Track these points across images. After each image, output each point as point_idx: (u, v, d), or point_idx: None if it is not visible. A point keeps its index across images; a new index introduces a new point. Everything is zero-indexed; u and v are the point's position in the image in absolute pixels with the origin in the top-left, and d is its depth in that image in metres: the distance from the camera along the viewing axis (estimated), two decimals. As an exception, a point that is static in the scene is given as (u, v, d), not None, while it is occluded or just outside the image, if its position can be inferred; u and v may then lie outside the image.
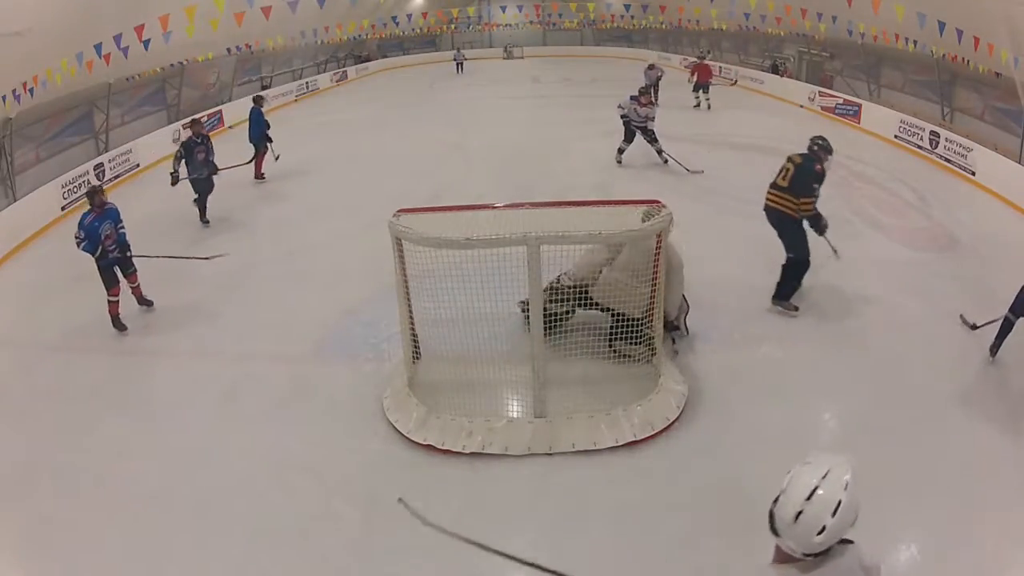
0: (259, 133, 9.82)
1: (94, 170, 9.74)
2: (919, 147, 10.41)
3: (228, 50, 14.83)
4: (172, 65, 13.02)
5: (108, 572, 3.27)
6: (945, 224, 7.38)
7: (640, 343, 4.35)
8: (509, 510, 3.56)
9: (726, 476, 3.69)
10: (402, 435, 4.02)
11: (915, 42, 11.43)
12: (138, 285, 5.79)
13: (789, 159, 5.22)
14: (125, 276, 5.63)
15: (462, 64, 23.17)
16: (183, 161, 7.66)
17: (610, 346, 4.47)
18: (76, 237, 5.36)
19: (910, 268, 6.25)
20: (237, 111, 14.92)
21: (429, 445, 3.92)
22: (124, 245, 5.57)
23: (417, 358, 4.54)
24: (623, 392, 4.14)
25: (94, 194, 5.54)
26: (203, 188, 7.92)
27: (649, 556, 3.22)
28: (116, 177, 10.25)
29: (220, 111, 14.20)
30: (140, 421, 4.41)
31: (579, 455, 3.83)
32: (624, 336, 4.30)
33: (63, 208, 8.82)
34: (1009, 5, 8.01)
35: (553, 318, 4.40)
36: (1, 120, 8.63)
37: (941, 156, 9.79)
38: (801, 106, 14.65)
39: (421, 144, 11.32)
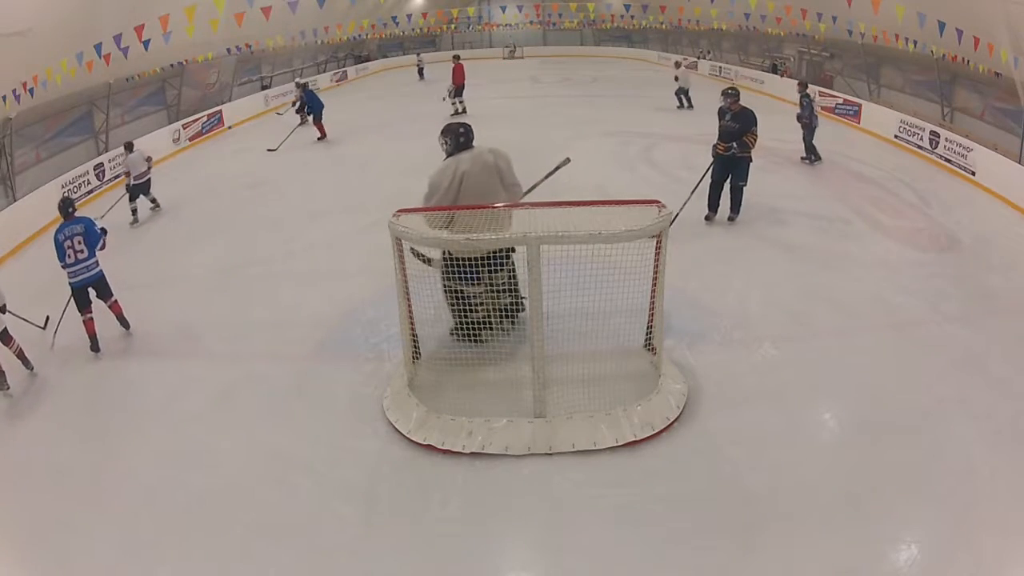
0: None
1: (94, 170, 9.75)
2: (919, 147, 10.41)
3: (228, 50, 14.83)
4: (172, 65, 13.03)
5: (109, 572, 3.27)
6: (945, 224, 7.37)
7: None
8: (509, 510, 3.56)
9: (726, 476, 3.70)
10: (402, 435, 4.02)
11: (915, 42, 11.44)
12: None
13: None
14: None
15: (423, 70, 21.91)
16: None
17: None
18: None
19: (910, 268, 6.25)
20: (237, 111, 14.97)
21: (429, 445, 3.92)
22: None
23: (417, 358, 4.54)
24: (623, 392, 4.14)
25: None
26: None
27: (649, 556, 3.22)
28: (116, 177, 10.24)
29: (220, 111, 14.21)
30: (138, 421, 4.41)
31: (579, 455, 3.83)
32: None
33: (63, 208, 8.83)
34: (1009, 5, 8.02)
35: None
36: (1, 120, 8.64)
37: (941, 156, 9.79)
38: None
39: (421, 143, 11.29)
